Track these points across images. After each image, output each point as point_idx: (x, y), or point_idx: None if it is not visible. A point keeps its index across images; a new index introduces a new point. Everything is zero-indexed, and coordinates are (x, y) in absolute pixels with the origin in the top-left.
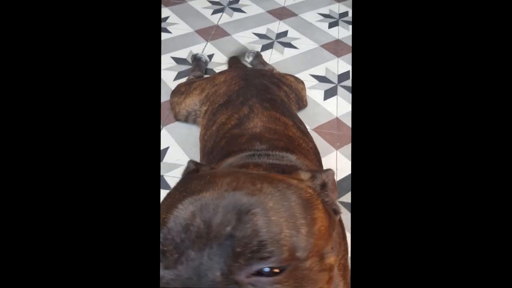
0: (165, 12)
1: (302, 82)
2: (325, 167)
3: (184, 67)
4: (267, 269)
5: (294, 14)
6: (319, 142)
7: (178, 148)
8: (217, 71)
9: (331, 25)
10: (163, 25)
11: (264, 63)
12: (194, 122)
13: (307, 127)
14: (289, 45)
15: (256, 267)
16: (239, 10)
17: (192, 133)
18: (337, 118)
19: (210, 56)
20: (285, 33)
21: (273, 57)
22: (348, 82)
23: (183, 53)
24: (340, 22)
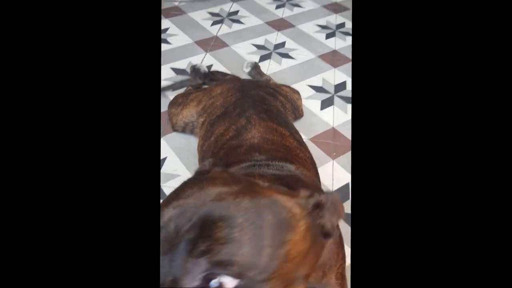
0: (165, 23)
1: (297, 92)
2: (321, 177)
3: (183, 78)
4: (215, 284)
5: (292, 25)
6: (316, 152)
7: (176, 158)
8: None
9: (328, 36)
10: (163, 36)
11: (261, 73)
12: (192, 132)
13: (304, 136)
14: (286, 55)
15: (203, 275)
16: (238, 21)
17: (189, 143)
18: (333, 128)
19: (209, 67)
20: (282, 44)
21: (271, 68)
22: (345, 92)
23: (183, 64)
24: (337, 33)
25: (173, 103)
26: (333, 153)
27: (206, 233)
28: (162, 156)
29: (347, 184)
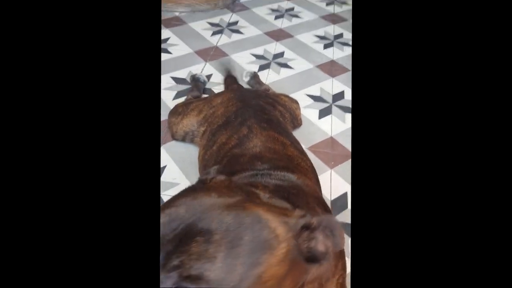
0: (166, 33)
1: (296, 102)
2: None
3: (183, 87)
4: None
5: (291, 36)
6: (314, 161)
7: (175, 167)
8: (215, 90)
9: (326, 46)
10: (164, 45)
11: (260, 83)
12: (191, 141)
13: (302, 146)
14: (285, 65)
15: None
16: (237, 31)
17: (189, 152)
18: (331, 137)
19: (209, 76)
20: (281, 54)
21: (269, 77)
22: (342, 102)
23: (183, 73)
24: (335, 43)
25: (173, 112)
26: (331, 162)
27: (183, 248)
28: (161, 165)
29: (345, 194)
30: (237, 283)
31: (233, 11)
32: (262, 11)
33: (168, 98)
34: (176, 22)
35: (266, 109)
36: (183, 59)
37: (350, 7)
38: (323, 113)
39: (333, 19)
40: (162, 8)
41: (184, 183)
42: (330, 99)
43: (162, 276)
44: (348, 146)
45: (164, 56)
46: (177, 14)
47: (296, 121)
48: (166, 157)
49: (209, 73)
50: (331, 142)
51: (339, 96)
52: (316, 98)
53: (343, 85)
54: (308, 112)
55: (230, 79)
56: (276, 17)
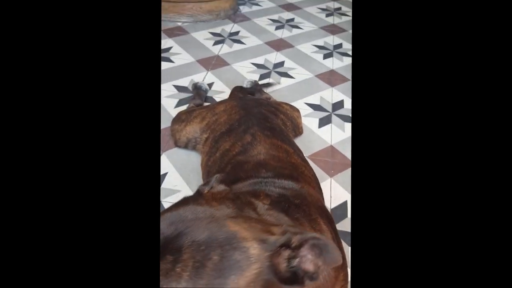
0: (168, 42)
1: (297, 110)
2: None
3: (185, 95)
4: None
5: (291, 46)
6: (314, 169)
7: (177, 174)
8: (216, 99)
9: (325, 56)
10: (166, 55)
11: (261, 91)
12: (194, 148)
13: None
14: (285, 74)
15: None
16: (238, 41)
17: (190, 159)
18: (331, 146)
19: (210, 85)
20: (282, 64)
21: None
22: (342, 111)
23: (185, 82)
24: (334, 53)
25: (176, 120)
26: (331, 171)
27: (163, 255)
28: (163, 172)
29: (345, 202)
30: None
31: (234, 21)
32: (263, 22)
33: (170, 106)
34: (179, 32)
35: (269, 117)
36: (185, 68)
37: (349, 18)
38: (323, 122)
39: (333, 29)
40: (165, 18)
41: (185, 190)
42: (330, 108)
43: None
44: (348, 155)
45: (166, 65)
46: (179, 24)
47: (298, 130)
48: (167, 164)
49: (211, 82)
50: (331, 150)
51: (339, 105)
52: (316, 107)
53: (342, 95)
54: (308, 120)
55: (238, 88)
56: (277, 28)
